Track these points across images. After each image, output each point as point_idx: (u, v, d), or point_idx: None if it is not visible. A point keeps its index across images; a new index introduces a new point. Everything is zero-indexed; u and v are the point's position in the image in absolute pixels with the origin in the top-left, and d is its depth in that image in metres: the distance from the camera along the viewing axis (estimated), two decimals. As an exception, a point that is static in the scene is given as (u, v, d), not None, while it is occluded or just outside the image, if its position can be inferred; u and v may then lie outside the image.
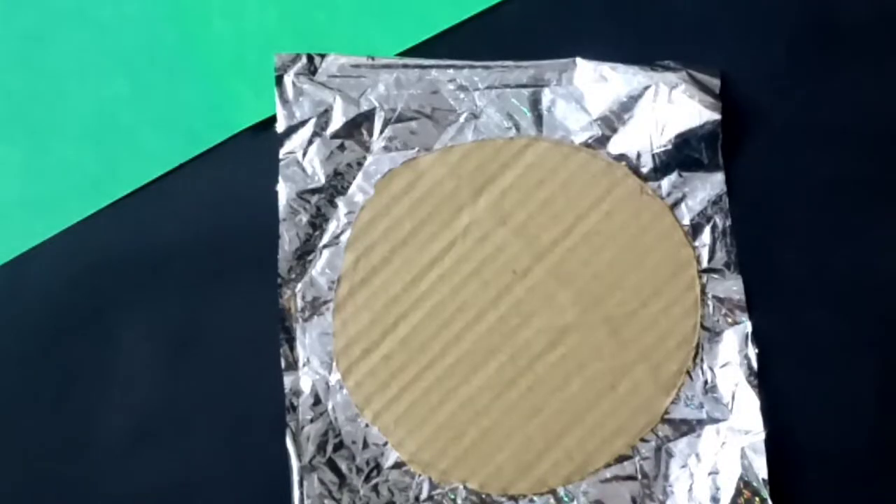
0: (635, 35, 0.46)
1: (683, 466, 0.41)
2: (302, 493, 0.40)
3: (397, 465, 0.41)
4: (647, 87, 0.44)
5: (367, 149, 0.44)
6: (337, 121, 0.44)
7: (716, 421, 0.41)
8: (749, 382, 0.41)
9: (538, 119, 0.44)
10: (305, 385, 0.42)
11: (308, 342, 0.42)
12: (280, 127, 0.44)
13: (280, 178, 0.44)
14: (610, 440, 0.41)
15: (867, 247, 0.44)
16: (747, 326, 0.42)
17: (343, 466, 0.41)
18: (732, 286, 0.43)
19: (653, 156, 0.43)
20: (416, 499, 0.41)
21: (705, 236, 0.43)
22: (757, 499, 0.40)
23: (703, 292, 0.43)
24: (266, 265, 0.43)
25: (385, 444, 0.41)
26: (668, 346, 0.42)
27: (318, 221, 0.43)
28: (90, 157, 0.46)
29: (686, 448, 0.41)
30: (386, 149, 0.44)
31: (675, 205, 0.43)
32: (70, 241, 0.45)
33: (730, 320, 0.42)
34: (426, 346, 0.42)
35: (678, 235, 0.43)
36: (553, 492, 0.41)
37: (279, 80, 0.44)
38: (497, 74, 0.45)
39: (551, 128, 0.44)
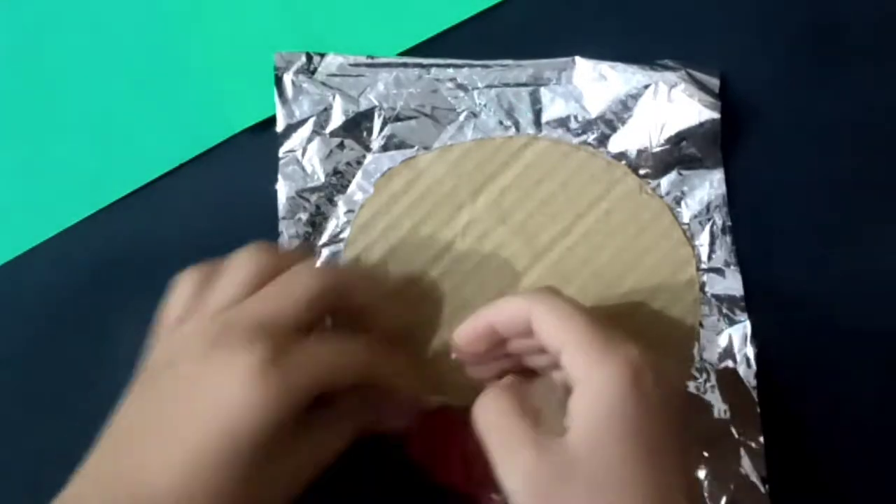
0: (635, 35, 0.46)
1: (683, 465, 0.41)
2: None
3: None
4: (646, 86, 0.44)
5: (367, 147, 0.44)
6: (336, 119, 0.44)
7: (715, 420, 0.41)
8: (748, 381, 0.41)
9: (537, 118, 0.44)
10: (305, 384, 0.42)
11: (308, 341, 0.42)
12: (279, 126, 0.44)
13: (279, 177, 0.44)
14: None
15: (867, 247, 0.44)
16: (747, 326, 0.42)
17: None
18: (732, 285, 0.43)
19: (652, 154, 0.43)
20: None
21: (704, 235, 0.43)
22: (757, 498, 0.40)
23: (703, 291, 0.43)
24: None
25: (384, 443, 0.41)
26: (668, 346, 0.42)
27: (318, 220, 0.43)
28: (90, 157, 0.46)
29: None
30: (385, 147, 0.44)
31: (675, 203, 0.43)
32: (70, 241, 0.45)
33: (729, 319, 0.42)
34: (424, 350, 0.42)
35: (677, 234, 0.43)
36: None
37: (278, 79, 0.44)
38: (496, 73, 0.45)
39: (551, 127, 0.44)
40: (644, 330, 0.42)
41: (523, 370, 0.37)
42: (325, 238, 0.43)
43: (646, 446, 0.32)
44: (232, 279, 0.36)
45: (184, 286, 0.37)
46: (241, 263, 0.37)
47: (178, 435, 0.32)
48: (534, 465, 0.32)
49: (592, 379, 0.32)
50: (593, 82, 0.44)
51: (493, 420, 0.34)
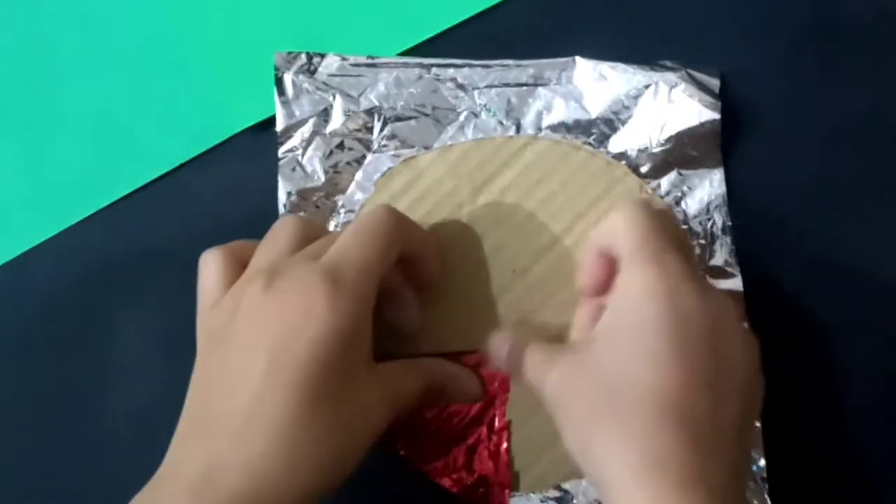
0: (635, 35, 0.46)
1: (683, 465, 0.41)
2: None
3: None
4: (646, 87, 0.44)
5: (367, 147, 0.44)
6: (336, 119, 0.44)
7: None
8: (749, 381, 0.41)
9: (538, 118, 0.44)
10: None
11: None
12: (279, 125, 0.44)
13: (279, 177, 0.44)
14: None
15: (867, 246, 0.44)
16: (745, 325, 0.42)
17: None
18: (732, 285, 0.43)
19: (652, 154, 0.43)
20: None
21: (705, 235, 0.43)
22: (756, 497, 0.40)
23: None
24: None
25: (385, 442, 0.41)
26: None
27: (318, 220, 0.43)
28: (90, 157, 0.46)
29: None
30: (385, 147, 0.44)
31: (675, 203, 0.43)
32: (70, 241, 0.45)
33: (729, 319, 0.42)
34: (424, 346, 0.42)
35: (678, 234, 0.43)
36: (553, 489, 0.41)
37: (279, 79, 0.44)
38: (497, 73, 0.45)
39: (551, 127, 0.44)
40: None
41: None
42: (325, 238, 0.43)
43: (664, 354, 0.32)
44: (274, 242, 0.37)
45: (216, 262, 0.37)
46: (281, 227, 0.37)
47: (257, 371, 0.32)
48: (558, 365, 0.34)
49: (626, 283, 0.34)
50: (593, 82, 0.44)
51: (520, 346, 0.37)
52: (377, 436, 0.35)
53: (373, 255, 0.35)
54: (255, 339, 0.33)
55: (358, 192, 0.44)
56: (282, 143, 0.44)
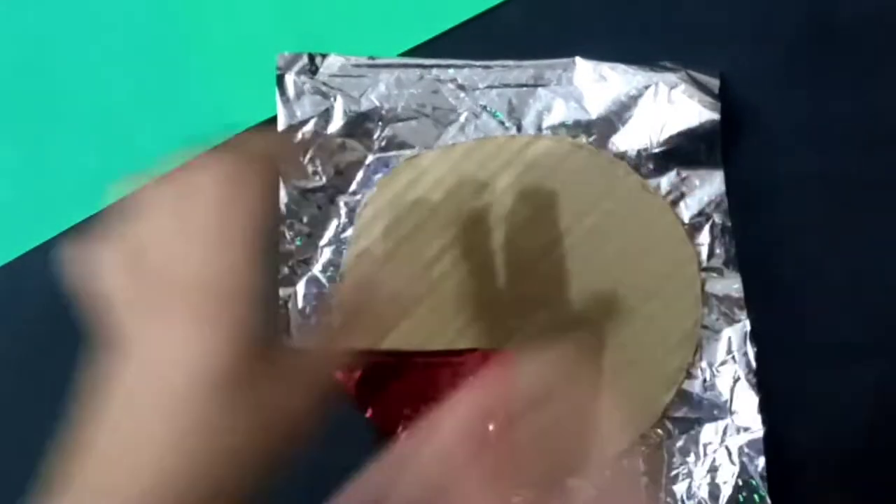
0: (635, 35, 0.46)
1: (683, 464, 0.41)
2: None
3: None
4: (646, 87, 0.44)
5: (368, 148, 0.44)
6: (338, 120, 0.44)
7: (715, 419, 0.41)
8: (748, 381, 0.42)
9: (538, 118, 0.44)
10: (306, 384, 0.42)
11: (309, 341, 0.42)
12: (280, 126, 0.44)
13: (281, 178, 0.44)
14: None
15: (867, 247, 0.44)
16: (746, 325, 0.42)
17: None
18: (731, 285, 0.43)
19: (652, 154, 0.43)
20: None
21: (704, 235, 0.43)
22: (755, 496, 0.40)
23: (703, 291, 0.43)
24: (266, 264, 0.43)
25: (386, 442, 0.41)
26: (668, 344, 0.42)
27: (320, 220, 0.43)
28: (90, 157, 0.46)
29: (685, 445, 0.41)
30: (386, 148, 0.44)
31: (675, 203, 0.43)
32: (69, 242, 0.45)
33: (729, 319, 0.42)
34: (429, 343, 0.42)
35: (679, 233, 0.43)
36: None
37: (280, 80, 0.44)
38: (497, 74, 0.45)
39: (551, 127, 0.44)
40: (645, 329, 0.42)
41: None
42: (326, 238, 0.43)
43: None
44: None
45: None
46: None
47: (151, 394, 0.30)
48: None
49: None
50: (594, 83, 0.44)
51: None
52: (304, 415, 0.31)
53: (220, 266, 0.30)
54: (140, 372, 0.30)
55: (359, 193, 0.44)
56: (283, 143, 0.44)
